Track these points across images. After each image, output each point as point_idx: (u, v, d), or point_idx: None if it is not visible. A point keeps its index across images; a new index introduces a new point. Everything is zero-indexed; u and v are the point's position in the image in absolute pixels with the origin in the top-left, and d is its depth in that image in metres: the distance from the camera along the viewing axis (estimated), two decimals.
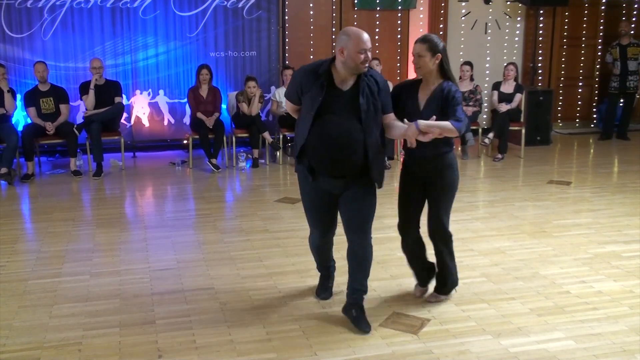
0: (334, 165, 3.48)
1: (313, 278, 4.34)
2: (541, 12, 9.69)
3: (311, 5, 9.09)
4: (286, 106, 3.79)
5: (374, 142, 3.51)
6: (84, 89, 7.75)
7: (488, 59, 9.92)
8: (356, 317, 3.67)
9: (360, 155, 3.45)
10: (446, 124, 3.54)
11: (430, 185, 3.79)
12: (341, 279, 4.25)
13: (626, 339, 3.52)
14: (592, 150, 9.16)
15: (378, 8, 9.29)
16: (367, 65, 3.45)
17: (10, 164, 7.15)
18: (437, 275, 4.05)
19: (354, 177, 3.55)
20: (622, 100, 9.70)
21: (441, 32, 9.52)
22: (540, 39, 9.82)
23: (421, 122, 3.48)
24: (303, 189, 3.75)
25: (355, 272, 3.72)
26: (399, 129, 3.58)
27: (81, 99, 7.89)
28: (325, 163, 3.48)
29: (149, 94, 8.62)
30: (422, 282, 4.13)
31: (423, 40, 3.68)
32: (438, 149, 3.69)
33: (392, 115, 3.63)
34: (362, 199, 3.61)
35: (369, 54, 3.43)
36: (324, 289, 4.12)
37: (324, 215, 3.77)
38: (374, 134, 3.51)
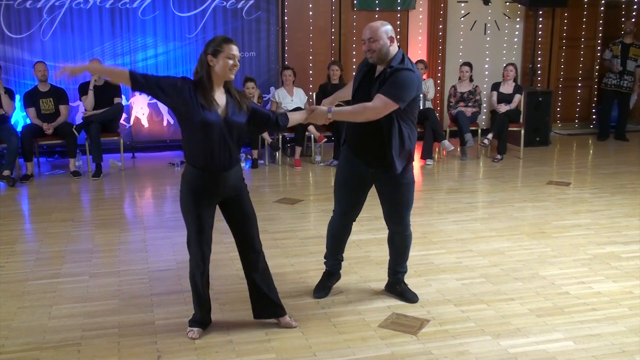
0: (356, 148, 3.77)
1: (312, 279, 4.34)
2: (540, 12, 9.69)
3: (310, 6, 9.09)
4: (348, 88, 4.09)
5: (390, 132, 3.63)
6: (83, 89, 7.75)
7: (487, 59, 9.92)
8: (402, 291, 4.05)
9: (381, 143, 3.64)
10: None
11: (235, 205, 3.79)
12: (342, 280, 4.26)
13: (625, 340, 3.52)
14: (591, 151, 9.17)
15: (377, 9, 9.29)
16: (367, 54, 3.72)
17: (13, 166, 7.15)
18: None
19: (378, 165, 3.72)
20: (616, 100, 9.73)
21: (440, 33, 9.54)
22: (540, 39, 9.83)
23: (335, 109, 3.72)
24: (340, 165, 3.95)
25: (395, 258, 4.05)
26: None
27: (80, 100, 7.90)
28: (352, 144, 3.80)
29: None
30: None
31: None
32: None
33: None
34: (394, 191, 3.79)
35: (367, 44, 3.69)
36: (322, 287, 4.13)
37: (349, 192, 3.91)
38: (389, 123, 3.62)
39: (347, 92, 4.13)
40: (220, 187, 3.39)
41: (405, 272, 4.09)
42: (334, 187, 3.98)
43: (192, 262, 3.50)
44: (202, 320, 3.63)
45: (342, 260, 4.17)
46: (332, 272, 4.15)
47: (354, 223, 4.05)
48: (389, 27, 3.75)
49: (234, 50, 3.33)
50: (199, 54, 3.39)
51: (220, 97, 3.39)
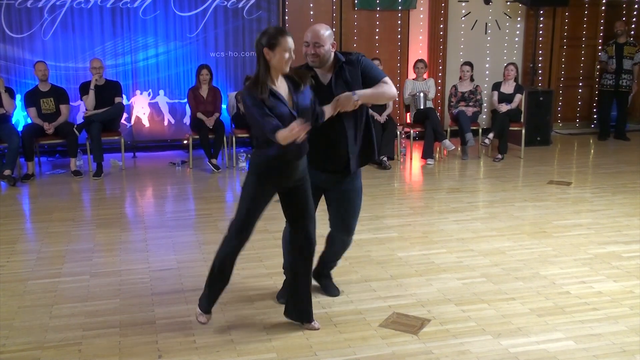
0: (321, 159, 3.65)
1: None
2: (541, 12, 9.69)
3: (311, 5, 9.09)
4: None
5: (354, 133, 3.63)
6: (84, 89, 7.76)
7: (488, 59, 9.92)
8: (325, 285, 4.12)
9: (343, 148, 3.62)
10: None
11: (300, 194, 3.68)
12: (343, 280, 4.26)
13: (626, 340, 3.52)
14: (592, 151, 9.17)
15: (378, 8, 9.29)
16: (310, 58, 3.57)
17: (14, 165, 7.16)
18: None
19: (338, 172, 3.69)
20: (615, 100, 9.73)
21: (441, 33, 9.53)
22: (540, 39, 9.82)
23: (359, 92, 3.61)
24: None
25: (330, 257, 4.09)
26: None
27: (81, 99, 7.90)
28: (313, 158, 3.60)
29: (149, 94, 8.63)
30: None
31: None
32: None
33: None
34: (347, 198, 3.76)
35: (312, 48, 3.55)
36: (283, 294, 3.95)
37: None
38: (353, 123, 3.61)
39: None
40: (290, 175, 3.39)
41: (335, 266, 4.15)
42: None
43: (235, 244, 3.46)
44: (211, 307, 3.60)
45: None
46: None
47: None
48: (331, 32, 3.72)
49: (290, 43, 3.26)
50: (255, 47, 3.31)
51: (282, 86, 3.34)
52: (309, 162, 3.53)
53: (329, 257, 4.06)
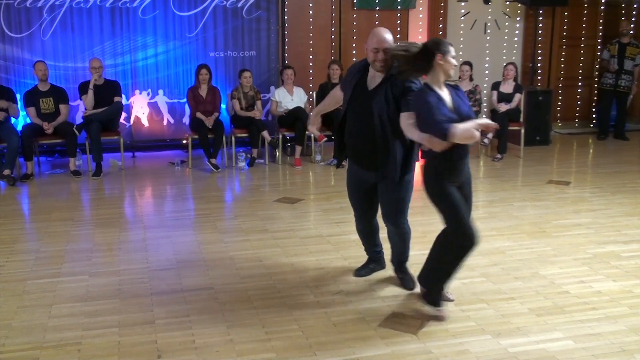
0: (357, 157, 3.96)
1: (312, 278, 4.35)
2: (540, 12, 9.69)
3: (310, 5, 9.09)
4: (331, 98, 4.30)
5: (390, 140, 3.77)
6: (83, 88, 7.75)
7: (487, 58, 9.92)
8: (402, 279, 4.24)
9: (378, 150, 3.79)
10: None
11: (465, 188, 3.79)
12: (342, 280, 4.25)
13: (625, 339, 3.52)
14: (591, 150, 9.17)
15: (377, 8, 9.29)
16: (379, 64, 3.71)
17: (13, 165, 7.15)
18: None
19: (379, 170, 3.87)
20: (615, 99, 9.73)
21: (440, 32, 9.52)
22: (540, 39, 9.82)
23: None
24: (347, 174, 4.16)
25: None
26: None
27: (80, 99, 7.90)
28: (352, 155, 4.01)
29: (148, 94, 8.62)
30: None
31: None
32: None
33: (407, 114, 3.68)
34: (391, 190, 3.92)
35: (381, 54, 3.68)
36: (363, 266, 4.43)
37: (358, 200, 4.15)
38: (391, 132, 3.75)
39: (329, 103, 4.33)
40: (459, 174, 3.62)
41: (406, 260, 4.26)
42: (348, 195, 4.22)
43: (468, 245, 3.59)
44: (439, 299, 3.81)
45: (381, 250, 4.41)
46: (372, 258, 4.43)
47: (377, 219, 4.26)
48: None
49: (454, 52, 3.57)
50: (425, 53, 3.52)
51: (444, 93, 3.56)
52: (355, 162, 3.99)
53: (392, 250, 4.25)
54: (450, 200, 3.57)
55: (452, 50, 3.52)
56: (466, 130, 3.36)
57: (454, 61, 3.52)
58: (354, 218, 4.29)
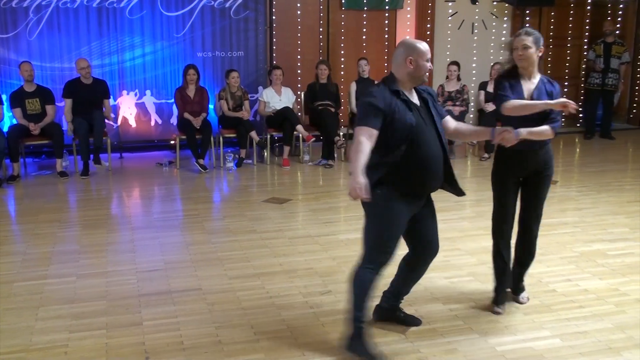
0: (429, 186, 3.45)
1: (301, 278, 4.35)
2: (527, 12, 9.75)
3: (298, 5, 9.08)
4: (362, 135, 3.16)
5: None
6: (68, 87, 7.69)
7: (475, 58, 9.95)
8: (404, 318, 3.73)
9: (447, 168, 3.56)
10: (545, 129, 3.70)
11: (532, 180, 3.81)
12: (330, 280, 4.25)
13: (612, 337, 3.55)
14: (577, 150, 9.23)
15: (365, 8, 9.30)
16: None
17: (0, 167, 7.10)
18: (515, 274, 4.04)
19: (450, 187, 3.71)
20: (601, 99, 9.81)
21: (428, 32, 9.56)
22: None
23: (522, 130, 3.56)
24: (385, 215, 3.30)
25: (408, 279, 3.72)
26: (482, 134, 3.84)
27: (63, 98, 7.79)
28: (421, 183, 3.39)
29: (135, 95, 8.58)
30: (513, 290, 4.06)
31: (527, 33, 3.84)
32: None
33: (449, 118, 3.61)
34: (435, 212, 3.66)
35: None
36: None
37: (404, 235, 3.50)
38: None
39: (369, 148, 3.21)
40: (527, 164, 3.76)
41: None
42: (380, 239, 3.36)
43: (505, 228, 3.98)
44: (502, 296, 3.88)
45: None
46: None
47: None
48: None
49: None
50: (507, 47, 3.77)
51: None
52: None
53: (410, 279, 3.75)
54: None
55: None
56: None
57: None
58: (367, 270, 3.40)
